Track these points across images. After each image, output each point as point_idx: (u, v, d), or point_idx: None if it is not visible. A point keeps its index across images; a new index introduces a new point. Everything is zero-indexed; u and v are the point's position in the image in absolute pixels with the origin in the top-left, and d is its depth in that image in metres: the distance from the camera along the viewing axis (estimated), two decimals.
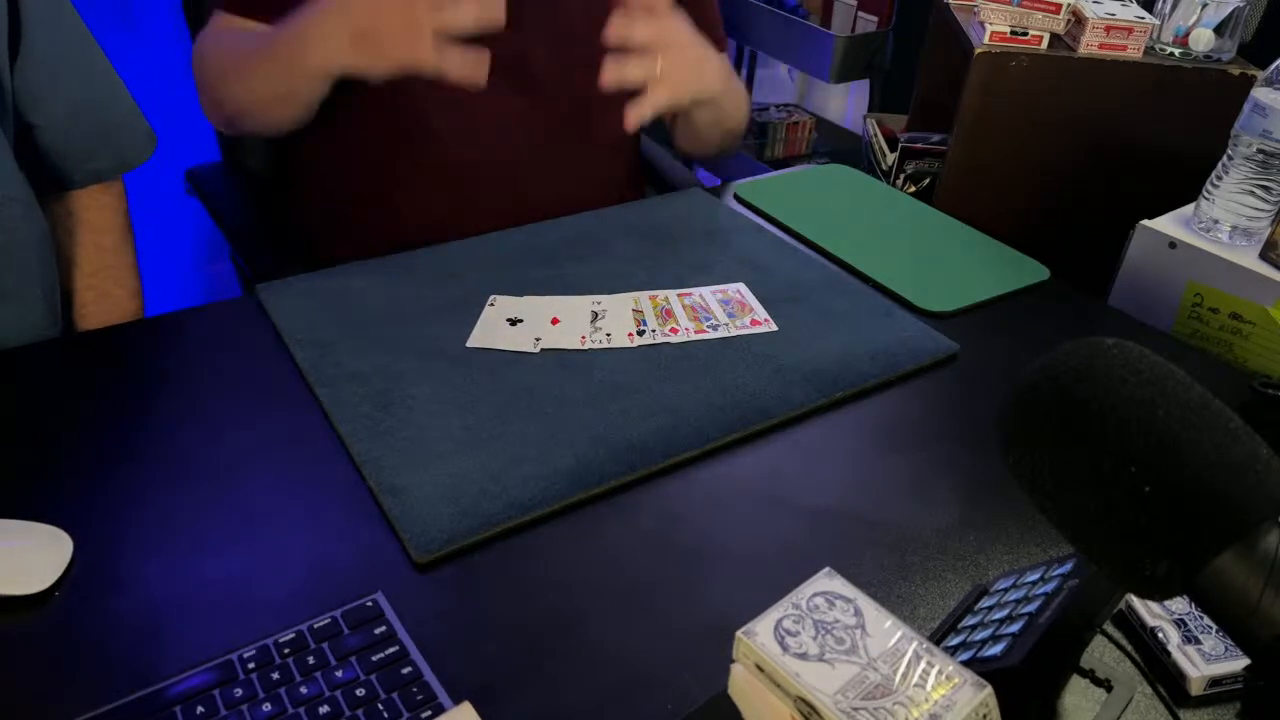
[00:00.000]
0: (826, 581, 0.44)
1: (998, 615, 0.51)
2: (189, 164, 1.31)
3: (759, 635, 0.42)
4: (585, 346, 0.82)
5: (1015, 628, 0.48)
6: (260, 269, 1.10)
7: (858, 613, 0.43)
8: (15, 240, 0.84)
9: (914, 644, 0.41)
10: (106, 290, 0.99)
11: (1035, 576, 0.53)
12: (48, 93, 0.88)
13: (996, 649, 0.47)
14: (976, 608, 0.55)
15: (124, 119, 0.96)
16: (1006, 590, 0.54)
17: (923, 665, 0.40)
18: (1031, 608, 0.49)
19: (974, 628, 0.52)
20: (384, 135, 1.11)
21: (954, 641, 0.52)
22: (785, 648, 0.41)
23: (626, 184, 1.20)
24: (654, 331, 0.85)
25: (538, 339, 0.83)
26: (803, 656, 0.41)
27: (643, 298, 0.89)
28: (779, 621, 0.43)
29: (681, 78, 0.92)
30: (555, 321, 0.85)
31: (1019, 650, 0.46)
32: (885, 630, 0.42)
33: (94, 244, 0.98)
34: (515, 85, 1.10)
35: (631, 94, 1.23)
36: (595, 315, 0.86)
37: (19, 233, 0.84)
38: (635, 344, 0.83)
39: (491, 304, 0.87)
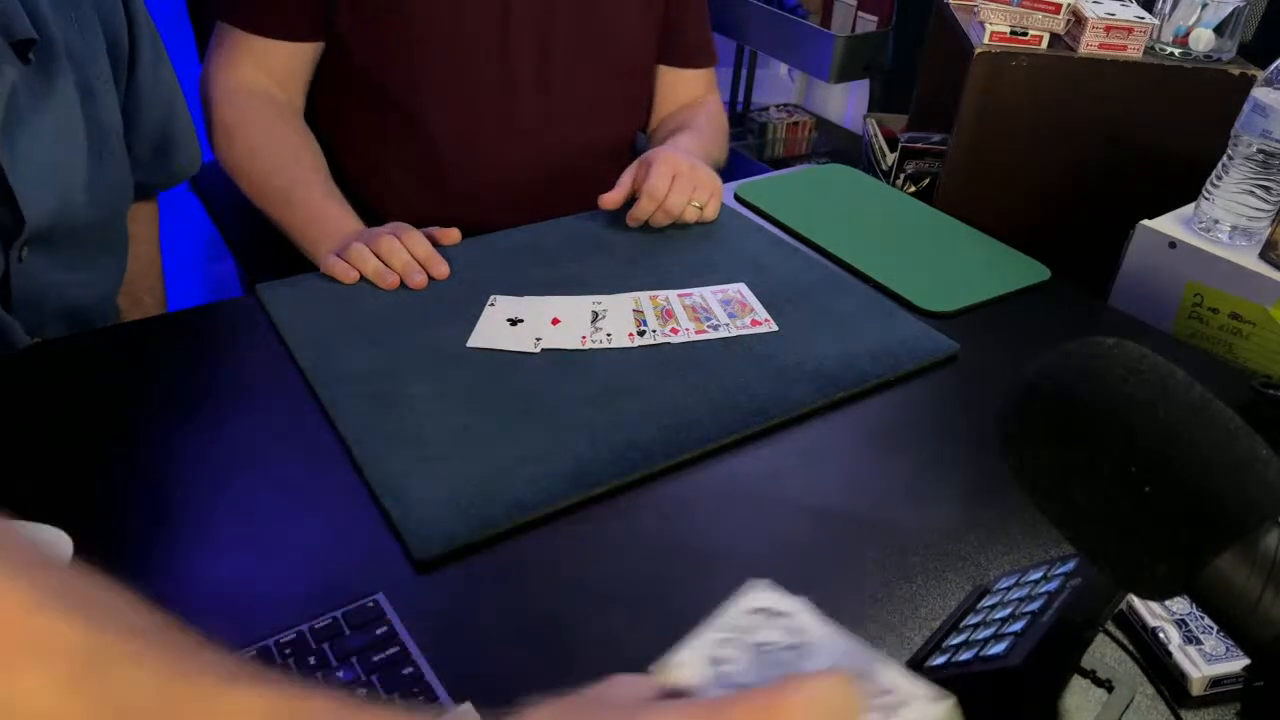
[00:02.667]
0: (760, 595, 0.37)
1: (1000, 614, 0.51)
2: None
3: (686, 667, 0.35)
4: (585, 346, 0.82)
5: (1018, 626, 0.48)
6: (260, 269, 1.10)
7: (798, 630, 0.36)
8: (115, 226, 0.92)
9: (863, 660, 0.34)
10: (140, 299, 1.03)
11: (1038, 575, 0.53)
12: (140, 115, 0.92)
13: (999, 648, 0.47)
14: (979, 607, 0.55)
15: (184, 139, 1.00)
16: (1009, 589, 0.54)
17: (874, 683, 0.33)
18: (1034, 606, 0.49)
19: (976, 626, 0.52)
20: (384, 137, 1.11)
21: (956, 640, 0.52)
22: (717, 678, 0.35)
23: None
24: (654, 331, 0.85)
25: (538, 339, 0.83)
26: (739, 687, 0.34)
27: (643, 298, 0.89)
28: (707, 647, 0.36)
29: (709, 194, 1.03)
30: (555, 321, 0.85)
31: (1021, 650, 0.46)
32: (830, 649, 0.35)
33: (133, 254, 1.00)
34: (515, 90, 1.10)
35: (632, 98, 1.23)
36: (595, 315, 0.86)
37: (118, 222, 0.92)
38: (636, 344, 0.83)
39: (491, 304, 0.87)
